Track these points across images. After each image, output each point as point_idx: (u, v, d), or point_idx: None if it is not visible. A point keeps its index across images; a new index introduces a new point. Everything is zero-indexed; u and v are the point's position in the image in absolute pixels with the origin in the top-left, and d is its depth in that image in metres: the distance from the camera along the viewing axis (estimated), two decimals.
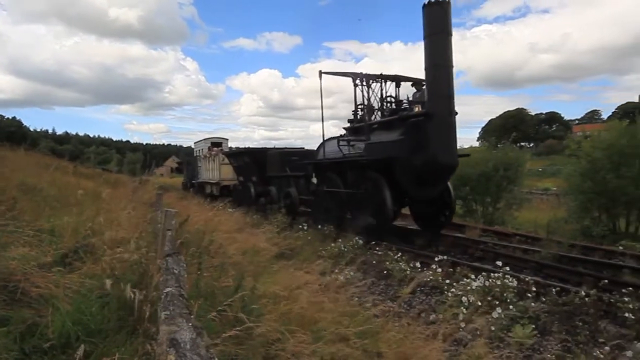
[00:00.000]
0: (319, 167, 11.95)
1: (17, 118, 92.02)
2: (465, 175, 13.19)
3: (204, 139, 25.75)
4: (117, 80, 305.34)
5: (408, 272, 6.66)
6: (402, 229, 10.80)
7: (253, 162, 15.87)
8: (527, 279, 5.69)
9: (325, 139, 11.64)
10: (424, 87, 9.22)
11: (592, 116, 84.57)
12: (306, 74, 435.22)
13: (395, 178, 9.03)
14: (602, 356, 3.84)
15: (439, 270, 6.42)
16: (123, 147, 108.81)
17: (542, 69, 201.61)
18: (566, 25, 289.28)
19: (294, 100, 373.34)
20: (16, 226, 3.36)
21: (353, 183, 10.25)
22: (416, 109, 9.05)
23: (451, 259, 7.19)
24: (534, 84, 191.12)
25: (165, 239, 3.53)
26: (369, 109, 10.54)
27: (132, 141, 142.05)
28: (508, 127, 68.27)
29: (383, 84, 10.74)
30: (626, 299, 4.83)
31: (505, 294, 5.27)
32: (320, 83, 10.55)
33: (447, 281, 5.95)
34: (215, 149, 23.09)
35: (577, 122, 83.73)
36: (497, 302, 5.09)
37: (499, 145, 16.37)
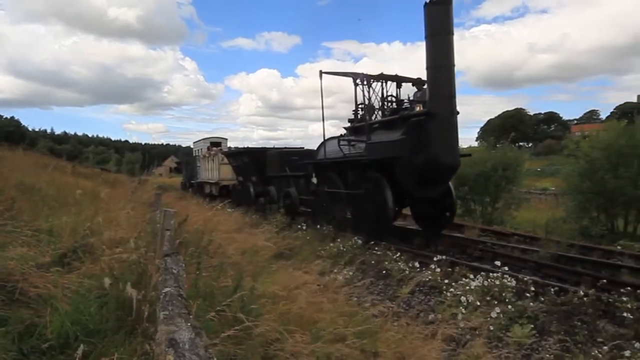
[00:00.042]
0: (319, 166, 11.93)
1: (16, 118, 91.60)
2: (464, 175, 13.21)
3: (203, 139, 25.70)
4: (116, 80, 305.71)
5: (407, 272, 6.66)
6: (401, 229, 10.80)
7: (252, 162, 15.85)
8: (525, 279, 5.70)
9: (325, 138, 11.65)
10: (425, 86, 9.21)
11: (590, 116, 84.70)
12: (305, 74, 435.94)
13: (396, 178, 9.00)
14: (600, 356, 3.85)
15: (438, 270, 6.43)
16: (122, 147, 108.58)
17: (541, 69, 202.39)
18: (565, 26, 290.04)
19: (293, 100, 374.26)
20: (14, 226, 3.35)
21: (354, 183, 10.23)
22: (417, 109, 9.03)
23: (450, 258, 7.20)
24: (533, 84, 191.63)
25: (164, 239, 3.52)
26: (370, 108, 10.53)
27: (130, 141, 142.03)
28: (507, 127, 68.30)
29: (384, 83, 10.73)
30: (624, 299, 4.85)
31: (503, 294, 5.29)
32: (321, 83, 10.56)
33: (446, 281, 5.96)
34: (214, 148, 23.04)
35: (575, 122, 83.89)
36: (496, 302, 5.11)
37: (497, 145, 16.40)
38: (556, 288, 5.48)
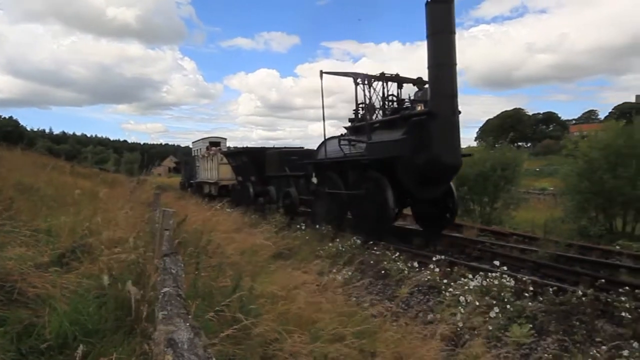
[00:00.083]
0: (319, 166, 11.92)
1: (14, 118, 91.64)
2: (463, 175, 13.21)
3: (202, 139, 25.69)
4: (115, 80, 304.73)
5: (406, 272, 6.67)
6: (400, 229, 10.80)
7: (252, 161, 15.85)
8: (524, 279, 5.71)
9: (325, 138, 11.64)
10: (426, 85, 9.20)
11: (589, 116, 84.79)
12: (304, 74, 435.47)
13: (397, 178, 8.98)
14: (599, 355, 3.86)
15: (437, 270, 6.43)
16: (120, 147, 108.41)
17: (540, 69, 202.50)
18: (563, 26, 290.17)
19: (292, 100, 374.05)
20: (13, 226, 3.34)
21: (354, 183, 10.22)
22: (419, 108, 9.01)
23: (449, 258, 7.21)
24: (532, 84, 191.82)
25: (163, 239, 3.51)
26: (370, 108, 10.53)
27: (129, 141, 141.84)
28: (505, 127, 68.34)
29: (384, 83, 10.72)
30: (623, 299, 4.85)
31: (502, 294, 5.29)
32: (321, 83, 10.57)
33: (445, 281, 5.97)
34: (213, 148, 23.04)
35: (574, 122, 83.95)
36: (495, 302, 5.11)
37: (496, 145, 16.42)
38: (555, 288, 5.49)
